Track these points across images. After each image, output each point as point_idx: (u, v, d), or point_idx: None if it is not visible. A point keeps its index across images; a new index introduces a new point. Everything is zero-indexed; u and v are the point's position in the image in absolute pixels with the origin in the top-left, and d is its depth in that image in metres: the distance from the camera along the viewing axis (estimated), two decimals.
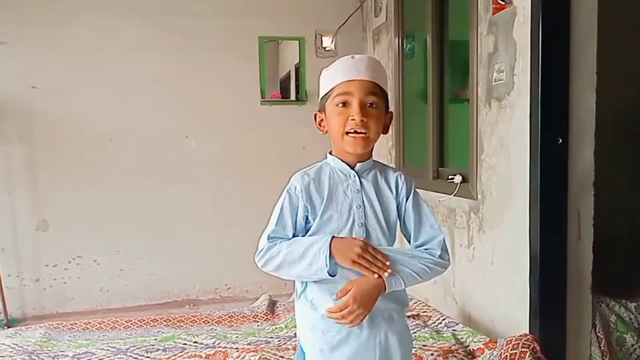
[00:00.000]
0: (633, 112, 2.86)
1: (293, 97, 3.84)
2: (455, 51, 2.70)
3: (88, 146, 3.45)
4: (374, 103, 1.22)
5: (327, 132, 1.29)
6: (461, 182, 2.42)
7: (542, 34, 1.83)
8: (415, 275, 1.22)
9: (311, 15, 3.70)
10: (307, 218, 1.25)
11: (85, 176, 3.44)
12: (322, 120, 1.30)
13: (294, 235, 1.25)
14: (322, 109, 1.29)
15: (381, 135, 1.29)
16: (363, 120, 1.19)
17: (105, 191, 3.48)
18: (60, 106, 3.40)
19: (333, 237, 1.19)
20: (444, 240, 1.28)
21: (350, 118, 1.20)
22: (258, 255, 1.24)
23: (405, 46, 3.17)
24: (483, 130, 2.25)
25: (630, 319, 2.19)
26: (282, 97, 3.81)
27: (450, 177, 2.49)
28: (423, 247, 1.28)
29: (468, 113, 2.37)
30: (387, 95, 1.28)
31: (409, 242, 1.32)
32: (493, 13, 2.13)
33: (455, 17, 2.66)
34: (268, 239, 1.24)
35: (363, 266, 1.16)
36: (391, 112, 1.30)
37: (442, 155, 2.76)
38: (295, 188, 1.25)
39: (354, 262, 1.16)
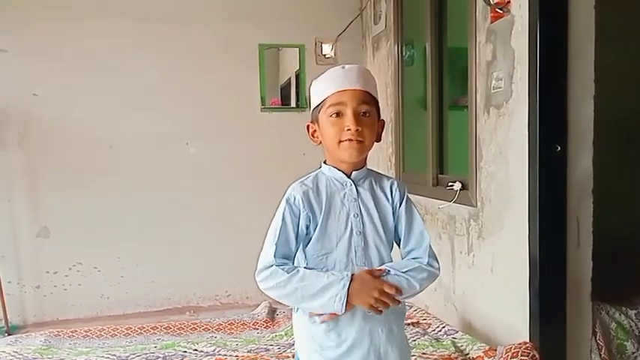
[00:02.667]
0: (632, 119, 2.87)
1: (293, 103, 3.85)
2: (454, 58, 2.71)
3: (88, 153, 3.45)
4: (367, 112, 1.22)
5: (320, 143, 1.29)
6: (460, 189, 2.43)
7: (539, 42, 1.84)
8: (412, 293, 1.24)
9: (311, 22, 3.72)
10: (308, 228, 1.23)
11: (85, 183, 3.45)
12: (315, 131, 1.29)
13: (295, 247, 1.22)
14: (315, 120, 1.28)
15: (380, 142, 1.30)
16: (358, 129, 1.19)
17: (105, 198, 3.48)
18: (61, 112, 3.41)
19: (351, 280, 1.16)
20: (430, 246, 1.28)
21: (345, 128, 1.20)
22: (260, 275, 1.20)
23: (404, 54, 3.19)
24: (482, 137, 2.26)
25: (631, 326, 2.18)
26: (283, 104, 3.82)
27: (450, 184, 2.50)
28: (412, 255, 1.28)
29: (467, 120, 2.38)
30: (378, 103, 1.28)
31: (399, 246, 1.32)
32: (491, 22, 2.14)
33: (454, 25, 2.68)
34: (274, 257, 1.19)
35: (379, 308, 1.17)
36: (383, 121, 1.30)
37: (442, 162, 2.77)
38: (295, 198, 1.23)
39: (371, 306, 1.16)
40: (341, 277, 1.16)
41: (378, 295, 1.15)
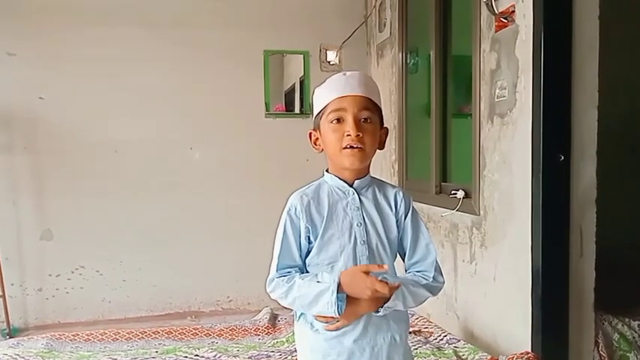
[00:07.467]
0: (636, 129, 2.87)
1: (297, 110, 3.86)
2: (458, 66, 2.72)
3: (93, 157, 3.47)
4: (368, 118, 1.21)
5: (322, 150, 1.27)
6: (463, 197, 2.43)
7: (544, 52, 1.85)
8: (413, 302, 1.22)
9: (316, 29, 3.74)
10: (309, 239, 1.22)
11: (89, 186, 3.46)
12: (317, 139, 1.28)
13: (300, 256, 1.23)
14: (317, 128, 1.27)
15: (383, 149, 1.29)
16: (358, 135, 1.18)
17: (109, 202, 3.49)
18: (66, 116, 3.43)
19: (339, 283, 1.14)
20: (436, 260, 1.26)
21: (345, 133, 1.19)
22: (269, 286, 1.23)
23: (408, 61, 3.19)
24: (486, 146, 2.26)
25: (634, 337, 2.17)
26: (287, 110, 3.83)
27: (453, 192, 2.50)
28: (416, 268, 1.26)
29: (470, 128, 2.38)
30: (381, 110, 1.26)
31: (403, 259, 1.30)
32: (496, 31, 2.15)
33: (458, 33, 2.68)
34: (277, 270, 1.22)
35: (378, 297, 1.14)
36: (386, 128, 1.29)
37: (445, 170, 2.77)
38: (295, 209, 1.22)
39: (370, 297, 1.13)
40: (329, 284, 1.15)
41: (371, 292, 1.11)
